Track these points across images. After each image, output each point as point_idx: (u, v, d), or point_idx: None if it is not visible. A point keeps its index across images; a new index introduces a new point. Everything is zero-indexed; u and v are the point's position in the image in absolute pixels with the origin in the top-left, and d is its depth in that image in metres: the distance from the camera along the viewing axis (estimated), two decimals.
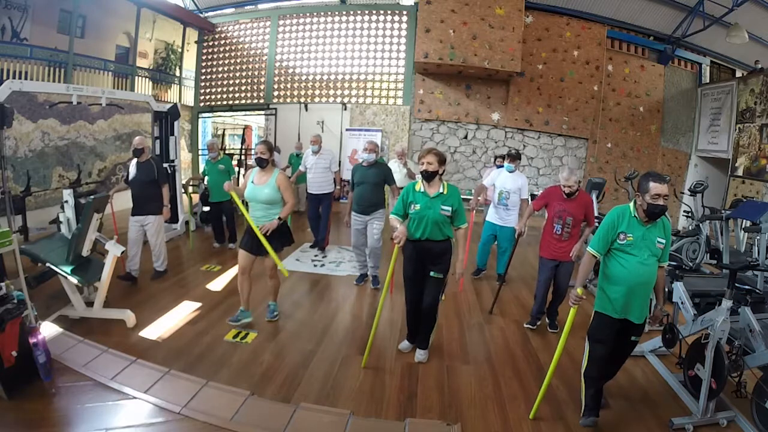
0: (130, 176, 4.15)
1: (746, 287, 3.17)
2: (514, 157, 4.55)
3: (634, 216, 2.29)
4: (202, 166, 10.57)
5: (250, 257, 3.30)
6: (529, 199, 4.51)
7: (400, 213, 2.87)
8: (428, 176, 2.79)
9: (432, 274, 2.85)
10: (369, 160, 4.12)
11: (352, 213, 4.26)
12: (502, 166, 4.75)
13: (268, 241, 3.20)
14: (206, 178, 5.59)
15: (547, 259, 3.50)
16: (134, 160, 4.16)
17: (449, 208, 2.77)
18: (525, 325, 3.68)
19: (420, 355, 3.02)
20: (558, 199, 3.42)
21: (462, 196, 3.01)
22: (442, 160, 2.81)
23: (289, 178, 6.62)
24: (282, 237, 3.35)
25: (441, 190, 2.80)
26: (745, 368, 2.38)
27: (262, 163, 3.23)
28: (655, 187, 2.18)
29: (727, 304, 2.36)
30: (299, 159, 6.35)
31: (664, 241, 2.28)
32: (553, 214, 3.42)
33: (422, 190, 2.83)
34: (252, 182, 3.25)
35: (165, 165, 5.15)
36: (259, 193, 3.19)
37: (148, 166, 4.14)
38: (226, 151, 9.87)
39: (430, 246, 2.83)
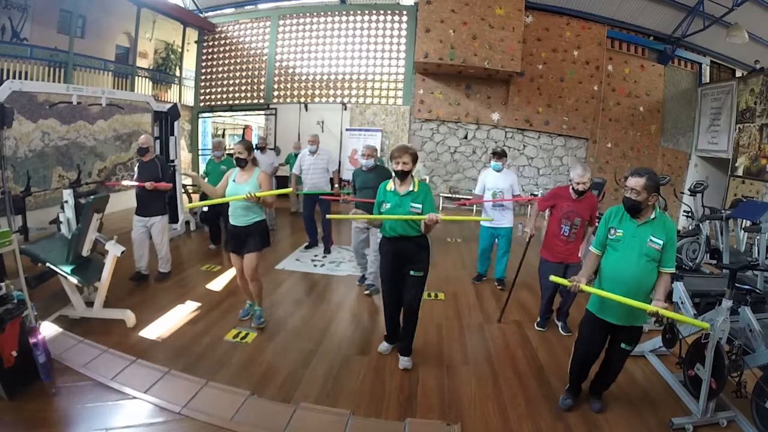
0: (135, 176, 4.14)
1: (746, 287, 3.18)
2: (500, 154, 4.47)
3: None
4: (202, 167, 10.58)
5: (240, 258, 3.31)
6: (523, 195, 4.50)
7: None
8: (402, 176, 2.77)
9: (412, 272, 2.81)
10: (368, 166, 4.13)
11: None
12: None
13: (247, 242, 3.22)
14: (206, 178, 5.55)
15: (552, 262, 3.41)
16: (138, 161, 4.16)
17: (419, 206, 2.72)
18: (536, 327, 3.64)
19: (404, 361, 2.92)
20: (566, 200, 3.34)
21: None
22: (416, 159, 2.81)
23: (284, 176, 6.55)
24: (261, 237, 3.31)
25: (411, 188, 2.77)
26: (745, 368, 2.38)
27: (240, 163, 3.22)
28: (629, 180, 2.24)
29: (727, 304, 2.36)
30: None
31: (660, 241, 2.20)
32: (561, 215, 3.35)
33: (393, 188, 2.82)
34: (233, 181, 3.23)
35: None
36: (240, 192, 3.14)
37: (152, 166, 4.13)
38: (227, 151, 9.85)
39: (406, 243, 2.79)
